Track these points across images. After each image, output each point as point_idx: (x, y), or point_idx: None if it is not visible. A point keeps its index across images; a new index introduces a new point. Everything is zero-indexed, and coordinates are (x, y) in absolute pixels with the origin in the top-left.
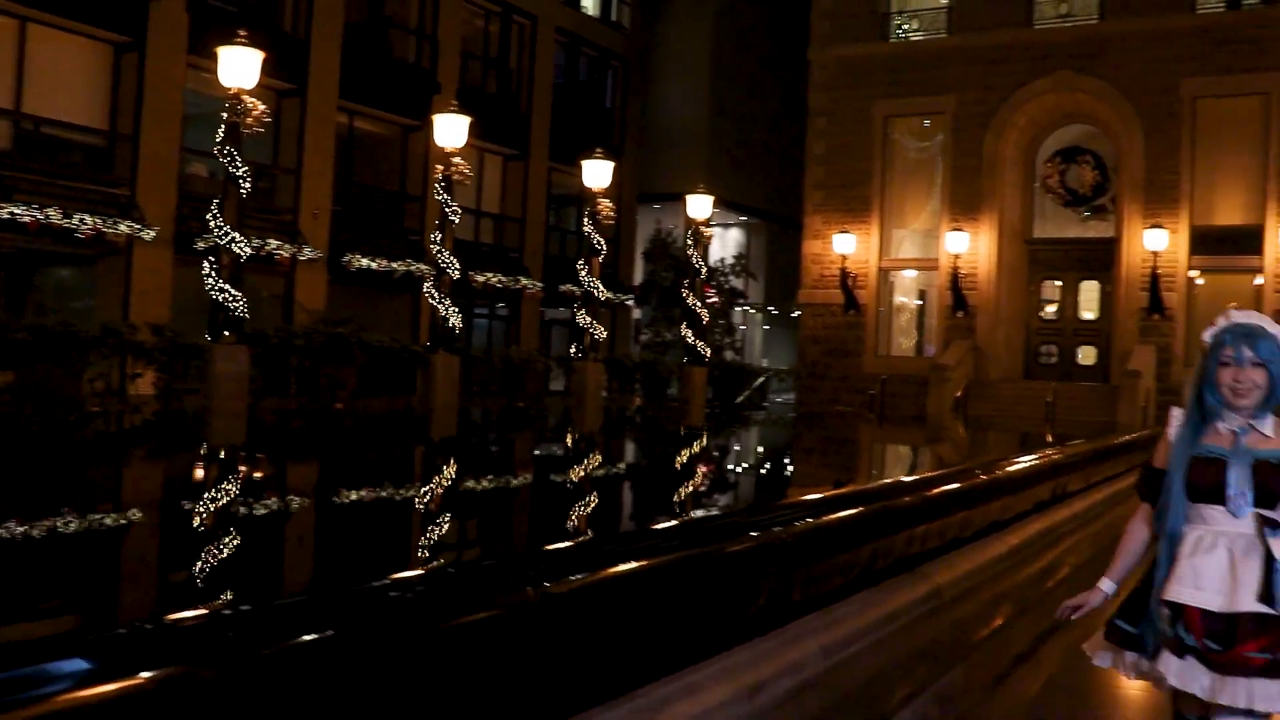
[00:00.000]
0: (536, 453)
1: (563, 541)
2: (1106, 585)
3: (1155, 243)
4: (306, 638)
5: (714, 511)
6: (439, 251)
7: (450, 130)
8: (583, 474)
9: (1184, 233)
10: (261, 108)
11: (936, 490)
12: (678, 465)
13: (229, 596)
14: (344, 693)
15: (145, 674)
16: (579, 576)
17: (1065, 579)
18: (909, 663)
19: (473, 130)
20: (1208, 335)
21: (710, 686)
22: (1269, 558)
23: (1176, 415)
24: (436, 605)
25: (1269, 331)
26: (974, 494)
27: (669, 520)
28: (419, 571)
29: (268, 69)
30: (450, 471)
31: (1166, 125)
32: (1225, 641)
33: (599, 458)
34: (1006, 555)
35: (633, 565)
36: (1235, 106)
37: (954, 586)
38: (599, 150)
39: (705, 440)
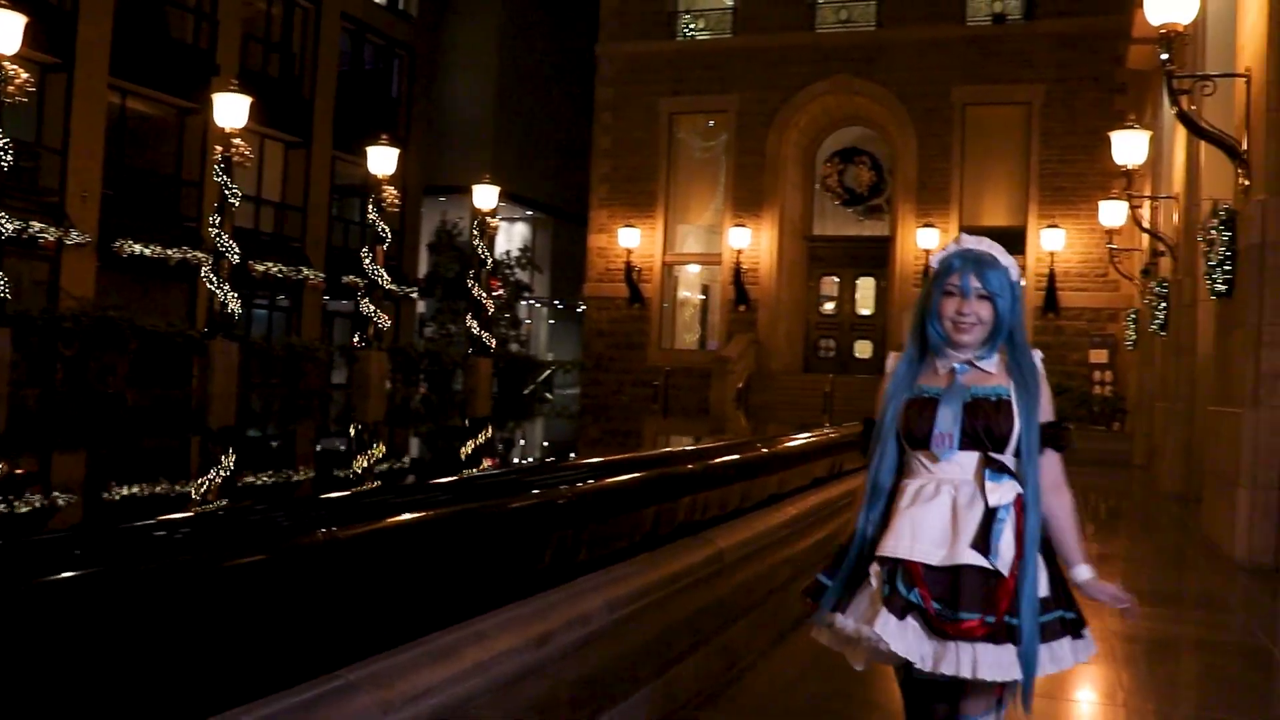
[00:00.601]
0: (318, 444)
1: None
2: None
3: (928, 241)
4: (71, 573)
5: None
6: (218, 235)
7: (230, 110)
8: (366, 464)
9: (954, 232)
10: (25, 75)
11: (718, 460)
12: (463, 455)
13: None
14: (121, 630)
15: None
16: (365, 524)
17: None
18: (694, 619)
19: (254, 114)
20: (935, 260)
21: (498, 635)
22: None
23: (893, 358)
24: (217, 545)
25: (1001, 262)
26: (754, 465)
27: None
28: (189, 514)
29: (31, 41)
30: (229, 462)
31: (938, 130)
32: (951, 604)
33: (383, 448)
34: (787, 524)
35: (418, 515)
36: (1001, 114)
37: (736, 551)
38: (384, 136)
39: (490, 430)
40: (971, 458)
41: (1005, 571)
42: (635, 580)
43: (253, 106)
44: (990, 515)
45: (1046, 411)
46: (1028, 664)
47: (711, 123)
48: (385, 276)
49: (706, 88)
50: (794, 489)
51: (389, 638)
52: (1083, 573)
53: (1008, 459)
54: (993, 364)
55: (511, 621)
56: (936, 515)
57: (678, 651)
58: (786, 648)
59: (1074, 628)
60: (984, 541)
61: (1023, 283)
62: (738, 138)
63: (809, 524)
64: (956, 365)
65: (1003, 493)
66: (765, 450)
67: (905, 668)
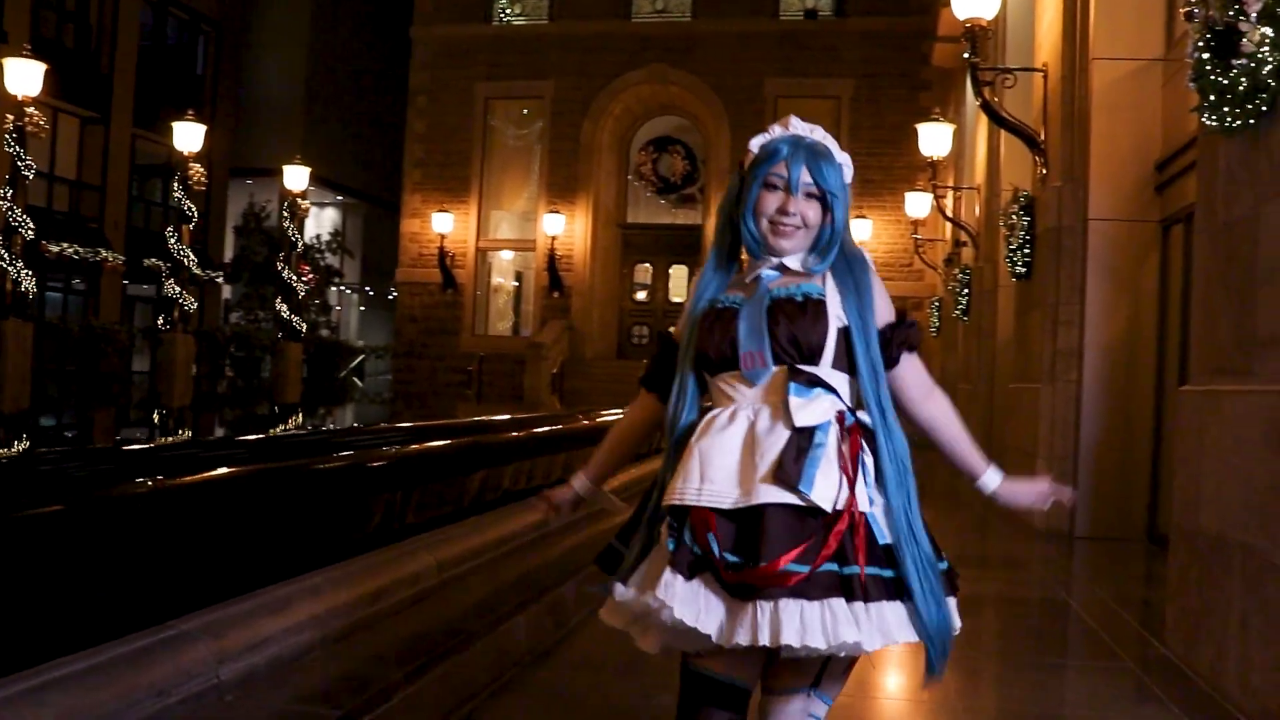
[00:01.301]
0: (119, 431)
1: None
2: (578, 483)
3: None
4: None
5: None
6: (10, 209)
7: (23, 77)
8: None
9: None
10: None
11: (540, 429)
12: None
13: None
14: None
15: None
16: (191, 477)
17: None
18: (524, 580)
19: (47, 86)
20: (755, 144)
21: (332, 590)
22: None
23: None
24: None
25: (835, 157)
26: (577, 435)
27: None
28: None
29: None
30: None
31: (751, 121)
32: (750, 554)
33: (189, 433)
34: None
35: (241, 469)
36: (812, 107)
37: (561, 518)
38: (190, 113)
39: (300, 416)
40: (780, 375)
41: (829, 507)
42: (465, 542)
43: (46, 76)
44: (800, 439)
45: (885, 312)
46: (933, 621)
47: (525, 110)
48: (192, 258)
49: (523, 74)
50: None
51: (225, 591)
52: (992, 479)
53: (824, 371)
54: (798, 261)
55: (345, 577)
56: (728, 447)
57: (508, 610)
58: None
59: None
60: (794, 471)
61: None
62: (553, 124)
63: (628, 496)
64: (764, 271)
65: (813, 410)
66: (586, 422)
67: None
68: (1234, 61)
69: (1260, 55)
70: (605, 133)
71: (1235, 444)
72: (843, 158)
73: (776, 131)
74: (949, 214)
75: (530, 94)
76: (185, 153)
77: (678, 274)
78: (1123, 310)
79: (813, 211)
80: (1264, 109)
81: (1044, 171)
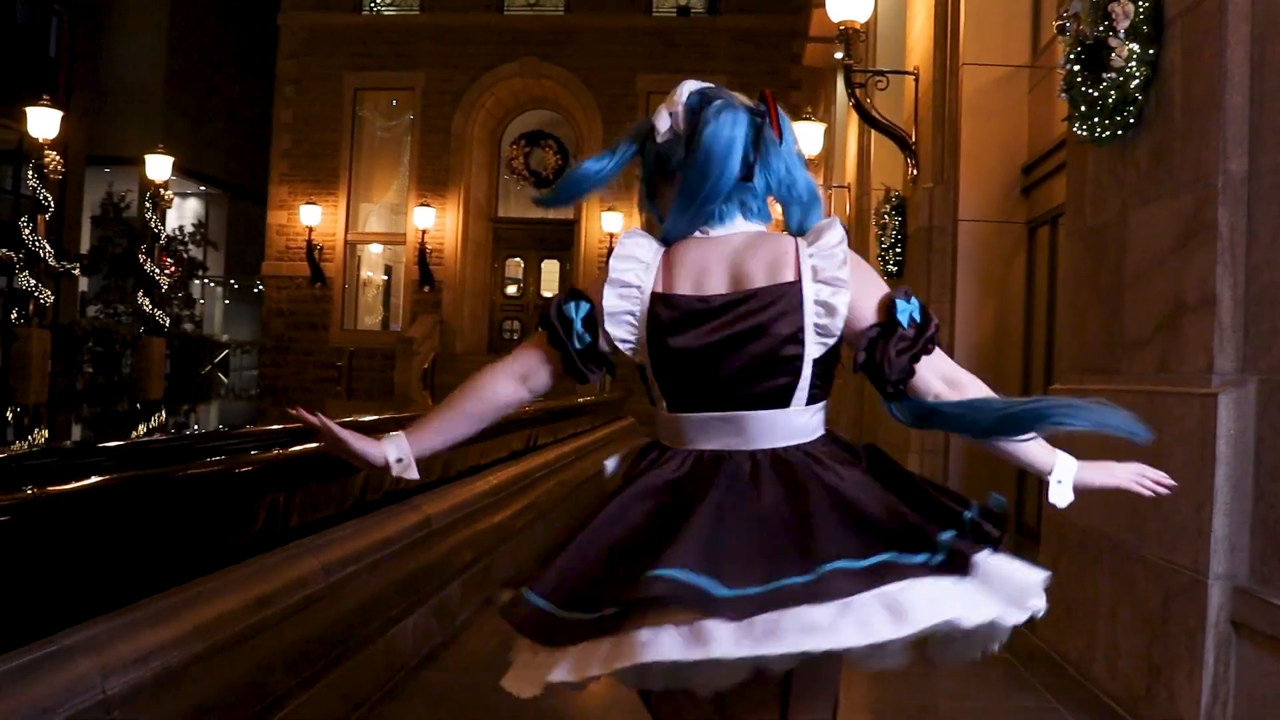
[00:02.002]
0: None
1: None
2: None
3: (612, 225)
4: None
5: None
6: None
7: None
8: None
9: (639, 218)
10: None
11: None
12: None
13: None
14: None
15: None
16: (60, 487)
17: (540, 516)
18: (409, 581)
19: None
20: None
21: (217, 597)
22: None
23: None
24: None
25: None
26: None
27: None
28: None
29: None
30: None
31: (623, 116)
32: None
33: (46, 432)
34: (490, 492)
35: (104, 479)
36: None
37: (444, 517)
38: (45, 98)
39: (164, 414)
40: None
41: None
42: (349, 544)
43: None
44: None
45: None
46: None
47: (395, 101)
48: (48, 249)
49: (393, 64)
50: (494, 459)
51: (107, 603)
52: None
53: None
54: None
55: (230, 584)
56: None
57: (396, 613)
58: (494, 608)
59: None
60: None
61: None
62: (424, 116)
63: (509, 494)
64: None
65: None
66: None
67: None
68: (1104, 75)
69: (1128, 70)
70: (477, 126)
71: (1103, 441)
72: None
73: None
74: None
75: (400, 85)
76: (40, 139)
77: (549, 269)
78: (990, 309)
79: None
80: (1131, 121)
81: (915, 172)
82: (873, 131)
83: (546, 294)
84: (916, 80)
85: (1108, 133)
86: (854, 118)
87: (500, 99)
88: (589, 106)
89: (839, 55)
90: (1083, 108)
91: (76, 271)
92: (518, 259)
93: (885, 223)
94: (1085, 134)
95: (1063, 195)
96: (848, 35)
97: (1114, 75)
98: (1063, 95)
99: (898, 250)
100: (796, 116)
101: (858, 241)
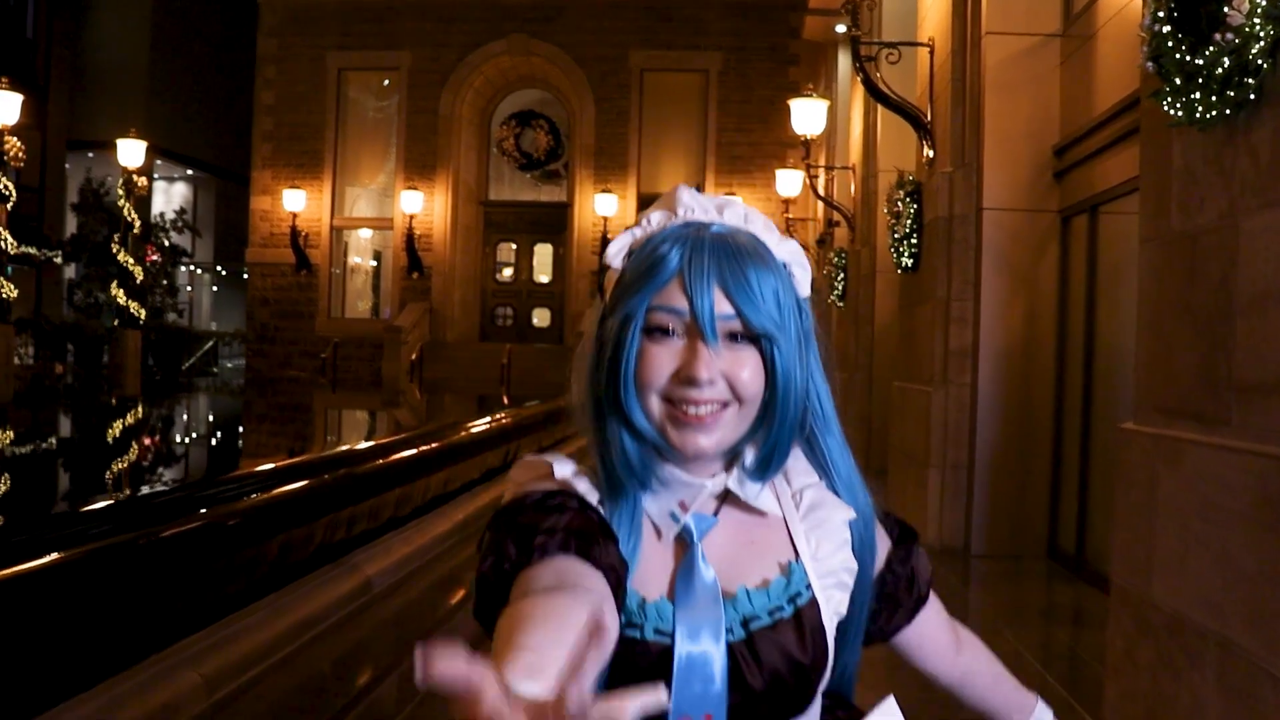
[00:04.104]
0: None
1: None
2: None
3: (606, 208)
4: None
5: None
6: None
7: None
8: None
9: (632, 198)
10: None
11: (399, 455)
12: (110, 439)
13: None
14: None
15: None
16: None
17: None
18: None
19: None
20: (617, 250)
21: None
22: None
23: (554, 476)
24: None
25: (774, 253)
26: (457, 451)
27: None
28: None
29: None
30: None
31: (616, 95)
32: None
33: (9, 434)
34: (453, 532)
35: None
36: (679, 81)
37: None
38: (5, 80)
39: (141, 412)
40: None
41: None
42: (250, 638)
43: None
44: None
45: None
46: None
47: (387, 81)
48: (10, 240)
49: (377, 43)
50: (464, 484)
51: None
52: (1045, 716)
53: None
54: (767, 496)
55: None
56: None
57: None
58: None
59: None
60: None
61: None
62: (410, 97)
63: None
64: (690, 521)
65: None
66: (471, 436)
67: None
68: (1213, 37)
69: (1250, 30)
70: (465, 105)
71: (1204, 509)
72: (786, 251)
73: (656, 220)
74: (822, 193)
75: (385, 65)
76: (0, 124)
77: (542, 252)
78: (1019, 308)
79: (746, 369)
80: (1251, 96)
81: (931, 154)
82: (880, 109)
83: (541, 279)
84: (931, 52)
85: (1213, 111)
86: (858, 94)
87: (489, 78)
88: (580, 84)
89: (841, 29)
90: (1178, 80)
91: (58, 259)
92: (510, 243)
93: (899, 210)
94: (1181, 114)
95: (1104, 181)
96: (855, 3)
97: (1230, 38)
98: (1148, 65)
99: (913, 241)
100: (796, 93)
101: (863, 226)
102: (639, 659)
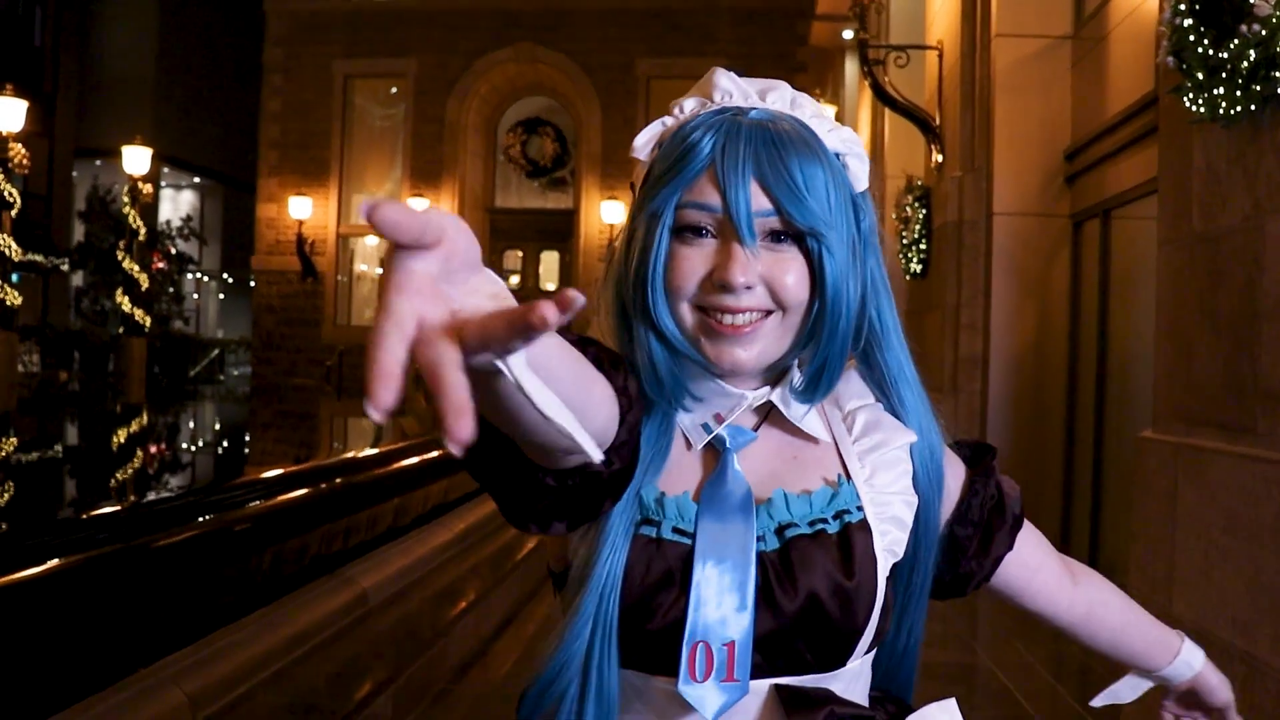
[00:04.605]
0: None
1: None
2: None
3: (612, 215)
4: None
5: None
6: None
7: None
8: None
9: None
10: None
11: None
12: (114, 448)
13: None
14: None
15: None
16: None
17: (528, 554)
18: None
19: None
20: (645, 140)
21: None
22: None
23: None
24: None
25: (823, 142)
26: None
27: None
28: None
29: None
30: None
31: (623, 102)
32: None
33: (12, 441)
34: (455, 541)
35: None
36: (686, 88)
37: (401, 577)
38: (9, 86)
39: (145, 419)
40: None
41: None
42: (238, 654)
43: None
44: None
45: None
46: None
47: (394, 89)
48: (14, 247)
49: (383, 51)
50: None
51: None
52: (1195, 655)
53: (850, 679)
54: (814, 419)
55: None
56: None
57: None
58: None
59: None
60: None
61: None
62: (416, 104)
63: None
64: (722, 429)
65: None
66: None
67: None
68: (1240, 28)
69: (1276, 19)
70: (472, 113)
71: (1228, 521)
72: (839, 140)
73: (689, 106)
74: None
75: (391, 72)
76: (4, 132)
77: (549, 260)
78: (1031, 314)
79: (790, 273)
80: (1278, 91)
81: (940, 159)
82: (887, 113)
83: (547, 285)
84: (940, 56)
85: (1238, 107)
86: (865, 98)
87: (495, 85)
88: (586, 92)
89: (848, 34)
90: (1200, 75)
91: (65, 267)
92: (516, 250)
93: (908, 215)
94: (1203, 110)
95: (1117, 184)
96: (863, 8)
97: (1256, 29)
98: (1169, 60)
99: (922, 247)
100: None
101: None
102: (652, 564)
